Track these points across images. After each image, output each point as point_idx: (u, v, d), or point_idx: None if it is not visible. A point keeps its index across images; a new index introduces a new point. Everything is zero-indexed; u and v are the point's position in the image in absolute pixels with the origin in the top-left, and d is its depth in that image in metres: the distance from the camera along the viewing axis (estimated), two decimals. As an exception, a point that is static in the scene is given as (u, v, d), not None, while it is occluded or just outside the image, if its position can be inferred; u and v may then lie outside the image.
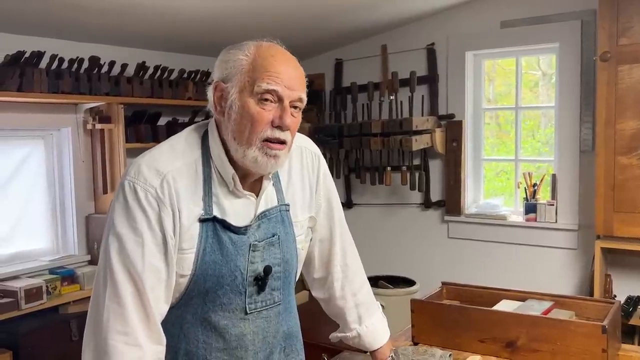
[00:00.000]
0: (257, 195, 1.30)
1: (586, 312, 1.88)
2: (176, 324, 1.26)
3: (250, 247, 1.26)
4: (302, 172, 1.41)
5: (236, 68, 1.20)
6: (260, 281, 1.28)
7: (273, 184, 1.34)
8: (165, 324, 1.23)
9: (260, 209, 1.30)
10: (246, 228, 1.26)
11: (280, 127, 1.20)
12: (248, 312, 1.27)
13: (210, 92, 1.25)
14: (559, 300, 1.92)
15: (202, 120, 1.41)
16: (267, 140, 1.21)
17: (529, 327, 1.70)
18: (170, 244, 1.18)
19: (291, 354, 1.42)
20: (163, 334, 1.19)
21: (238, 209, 1.27)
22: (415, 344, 1.87)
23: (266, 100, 1.19)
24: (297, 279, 1.43)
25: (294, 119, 1.24)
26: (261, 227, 1.29)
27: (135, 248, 1.15)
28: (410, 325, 1.91)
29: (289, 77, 1.21)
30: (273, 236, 1.30)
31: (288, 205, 1.36)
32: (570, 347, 1.64)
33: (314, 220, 1.46)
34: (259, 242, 1.28)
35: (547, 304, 1.88)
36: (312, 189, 1.44)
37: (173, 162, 1.22)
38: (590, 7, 3.24)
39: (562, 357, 1.65)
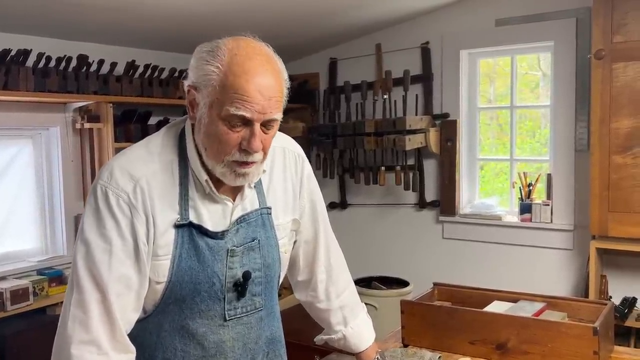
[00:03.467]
0: (234, 199, 1.25)
1: (579, 313, 1.86)
2: (153, 332, 1.22)
3: (228, 252, 1.22)
4: (285, 174, 1.37)
5: (206, 80, 1.12)
6: (240, 287, 1.24)
7: (254, 186, 1.29)
8: (142, 332, 1.21)
9: (239, 214, 1.26)
10: (223, 233, 1.22)
11: (248, 151, 1.14)
12: (227, 318, 1.24)
13: (185, 91, 1.20)
14: (551, 302, 1.89)
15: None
16: (235, 161, 1.16)
17: (519, 329, 1.68)
18: (142, 250, 1.14)
19: (276, 358, 1.39)
20: (130, 344, 1.16)
21: (215, 213, 1.23)
22: (405, 345, 1.85)
23: (235, 122, 1.12)
24: (280, 284, 1.39)
25: (265, 135, 1.16)
26: (240, 232, 1.25)
27: (102, 256, 1.12)
28: (400, 327, 1.89)
29: (262, 100, 1.10)
30: (253, 241, 1.26)
31: (269, 208, 1.31)
32: (561, 349, 1.62)
33: (297, 223, 1.41)
34: (237, 247, 1.24)
35: (539, 305, 1.86)
36: (296, 191, 1.39)
37: (148, 164, 1.17)
38: (585, 4, 3.22)
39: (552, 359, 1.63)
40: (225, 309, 1.23)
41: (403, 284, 3.68)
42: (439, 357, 1.71)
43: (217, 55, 1.12)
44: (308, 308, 1.56)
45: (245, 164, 1.17)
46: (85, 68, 3.12)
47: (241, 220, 1.26)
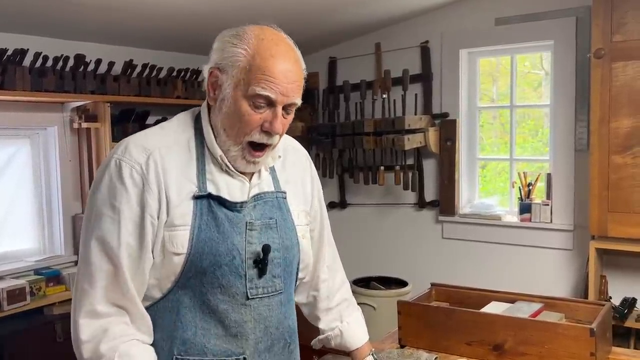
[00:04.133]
0: (250, 180, 1.28)
1: (576, 314, 1.85)
2: (172, 310, 1.22)
3: (246, 225, 1.24)
4: (296, 169, 1.41)
5: (232, 61, 1.17)
6: (260, 264, 1.24)
7: (269, 172, 1.33)
8: (160, 312, 1.21)
9: (255, 191, 1.28)
10: (242, 205, 1.24)
11: (269, 132, 1.19)
12: (250, 297, 1.23)
13: (206, 75, 1.23)
14: (549, 302, 1.89)
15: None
16: (252, 143, 1.20)
17: (516, 330, 1.68)
18: (148, 222, 1.16)
19: (295, 350, 1.39)
20: (142, 307, 1.19)
21: (233, 188, 1.25)
22: (402, 346, 1.84)
23: (259, 103, 1.17)
24: (299, 272, 1.40)
25: (284, 120, 1.22)
26: (257, 208, 1.27)
27: (111, 226, 1.15)
28: (397, 328, 1.88)
29: (286, 82, 1.17)
30: (270, 219, 1.28)
31: (285, 193, 1.34)
32: (558, 350, 1.62)
33: (309, 217, 1.44)
34: (255, 221, 1.25)
35: (536, 306, 1.85)
36: (306, 187, 1.43)
37: (162, 139, 1.22)
38: (585, 3, 3.20)
39: (549, 361, 1.62)
40: (247, 286, 1.23)
41: (402, 284, 3.68)
42: (435, 357, 1.71)
43: (244, 39, 1.18)
44: (308, 309, 1.55)
45: (260, 148, 1.22)
46: (82, 67, 3.11)
47: (258, 197, 1.29)
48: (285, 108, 1.20)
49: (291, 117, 1.24)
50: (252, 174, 1.28)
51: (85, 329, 1.14)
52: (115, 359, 1.13)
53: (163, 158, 1.18)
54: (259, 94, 1.16)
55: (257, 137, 1.19)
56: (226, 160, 1.23)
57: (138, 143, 1.20)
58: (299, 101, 1.22)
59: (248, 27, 1.21)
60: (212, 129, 1.24)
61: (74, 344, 1.16)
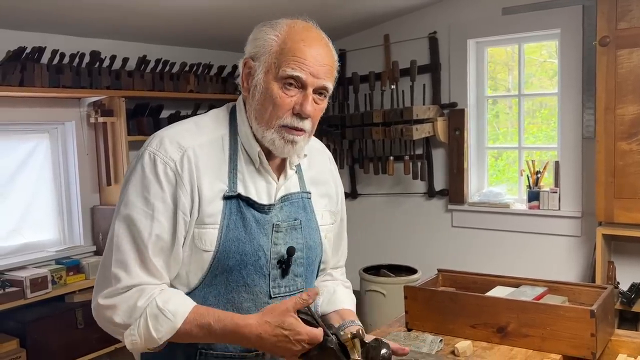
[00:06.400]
0: (278, 179, 1.30)
1: (579, 297, 1.87)
2: None
3: (273, 227, 1.26)
4: (321, 169, 1.42)
5: (265, 48, 1.20)
6: (284, 264, 1.27)
7: (296, 172, 1.35)
8: None
9: (282, 193, 1.30)
10: (270, 207, 1.26)
11: (300, 115, 1.20)
12: (272, 296, 1.26)
13: (240, 68, 1.25)
14: (552, 286, 1.91)
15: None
16: (285, 126, 1.21)
17: (519, 312, 1.70)
18: (180, 219, 1.18)
19: None
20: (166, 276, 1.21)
21: (261, 189, 1.27)
22: (409, 330, 1.89)
23: (290, 85, 1.19)
24: (319, 269, 1.42)
25: (316, 106, 1.22)
26: (284, 210, 1.29)
27: (143, 219, 1.16)
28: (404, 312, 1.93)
29: (316, 64, 1.18)
30: (295, 220, 1.30)
31: (309, 193, 1.36)
32: (560, 331, 1.64)
33: (334, 216, 1.45)
34: (282, 223, 1.27)
35: (540, 290, 1.88)
36: (331, 187, 1.44)
37: (196, 137, 1.22)
38: (592, -9, 3.21)
39: (551, 342, 1.65)
40: (270, 285, 1.26)
41: (412, 272, 3.72)
42: (441, 340, 1.75)
43: (276, 27, 1.22)
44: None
45: (295, 129, 1.22)
46: (97, 64, 3.19)
47: (285, 199, 1.30)
48: (318, 92, 1.21)
49: (324, 104, 1.24)
50: (279, 174, 1.29)
51: (126, 303, 1.14)
52: (156, 303, 1.15)
53: (197, 155, 1.20)
54: (289, 75, 1.17)
55: (289, 121, 1.20)
56: (263, 157, 1.24)
57: (173, 139, 1.20)
58: (330, 85, 1.22)
59: (282, 18, 1.24)
60: (248, 121, 1.24)
61: (104, 318, 1.16)
